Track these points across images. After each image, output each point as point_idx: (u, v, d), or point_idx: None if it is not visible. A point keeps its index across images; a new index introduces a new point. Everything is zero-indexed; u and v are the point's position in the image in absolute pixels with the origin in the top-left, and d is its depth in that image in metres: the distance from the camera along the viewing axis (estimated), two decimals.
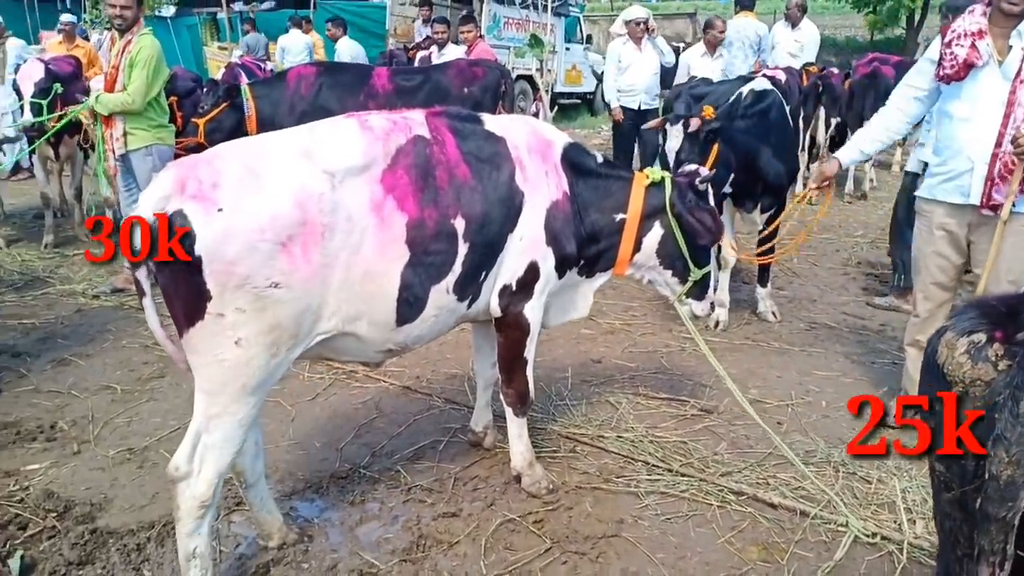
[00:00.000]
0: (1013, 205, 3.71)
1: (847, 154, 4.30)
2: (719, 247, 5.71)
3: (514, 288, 3.32)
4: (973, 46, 3.75)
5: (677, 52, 10.27)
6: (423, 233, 2.94)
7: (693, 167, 3.78)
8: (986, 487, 1.31)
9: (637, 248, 3.66)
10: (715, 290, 5.17)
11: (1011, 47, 3.69)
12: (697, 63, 8.23)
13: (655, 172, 3.69)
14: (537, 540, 3.25)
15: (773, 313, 5.89)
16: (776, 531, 3.34)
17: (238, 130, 6.63)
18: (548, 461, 3.81)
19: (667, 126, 5.21)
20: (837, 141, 10.37)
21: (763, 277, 5.96)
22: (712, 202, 3.76)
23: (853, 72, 10.79)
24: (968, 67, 3.77)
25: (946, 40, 3.85)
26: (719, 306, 5.67)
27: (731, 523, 3.40)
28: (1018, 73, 3.65)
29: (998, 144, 3.70)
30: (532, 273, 3.33)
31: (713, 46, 8.22)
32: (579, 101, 20.52)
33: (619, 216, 3.57)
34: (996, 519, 1.31)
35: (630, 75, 8.45)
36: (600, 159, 3.61)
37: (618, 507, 3.48)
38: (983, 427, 1.34)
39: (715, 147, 5.08)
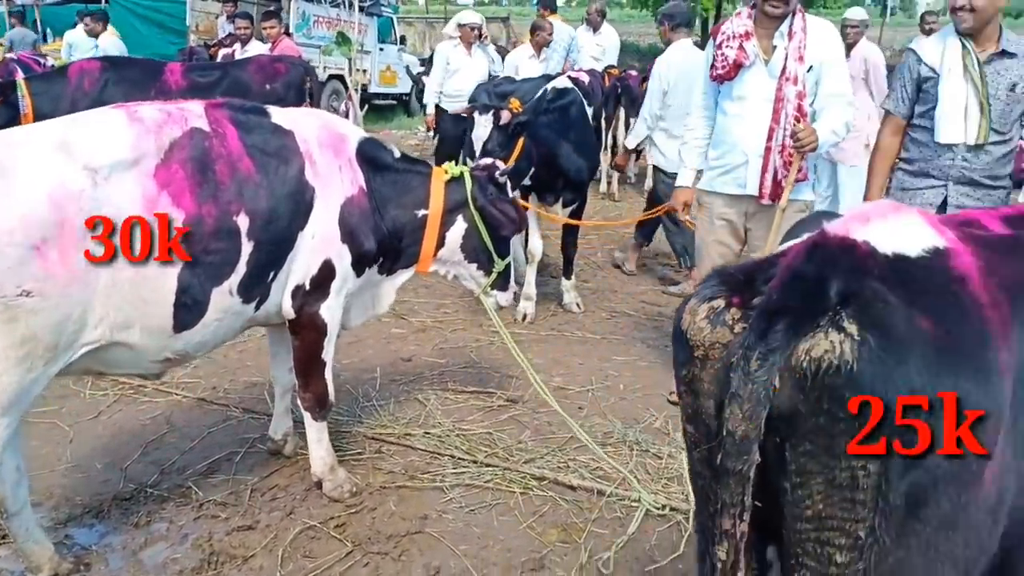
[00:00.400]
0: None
1: (688, 177, 4.43)
2: (527, 241, 5.86)
3: (308, 288, 3.22)
4: (741, 47, 4.04)
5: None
6: (202, 231, 2.78)
7: (489, 160, 3.84)
8: (724, 443, 1.40)
9: (441, 244, 3.66)
10: (522, 284, 5.33)
11: (775, 47, 4.01)
12: (525, 64, 8.34)
13: (453, 167, 3.70)
14: (338, 545, 3.16)
15: (577, 304, 6.10)
16: (575, 512, 3.44)
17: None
18: (352, 464, 3.73)
19: (475, 115, 5.25)
20: None
21: (567, 270, 6.16)
22: (513, 194, 3.83)
23: (648, 75, 11.40)
24: (737, 67, 4.06)
25: (717, 42, 4.13)
26: (526, 299, 5.80)
27: (533, 508, 3.47)
28: (783, 71, 3.98)
29: (769, 138, 4.02)
30: (327, 272, 3.24)
31: (540, 47, 8.38)
32: (395, 102, 20.38)
33: (421, 212, 3.54)
34: (734, 473, 1.40)
35: (458, 79, 8.35)
36: (398, 154, 3.57)
37: (423, 503, 3.46)
38: (721, 386, 1.43)
39: (521, 140, 5.19)
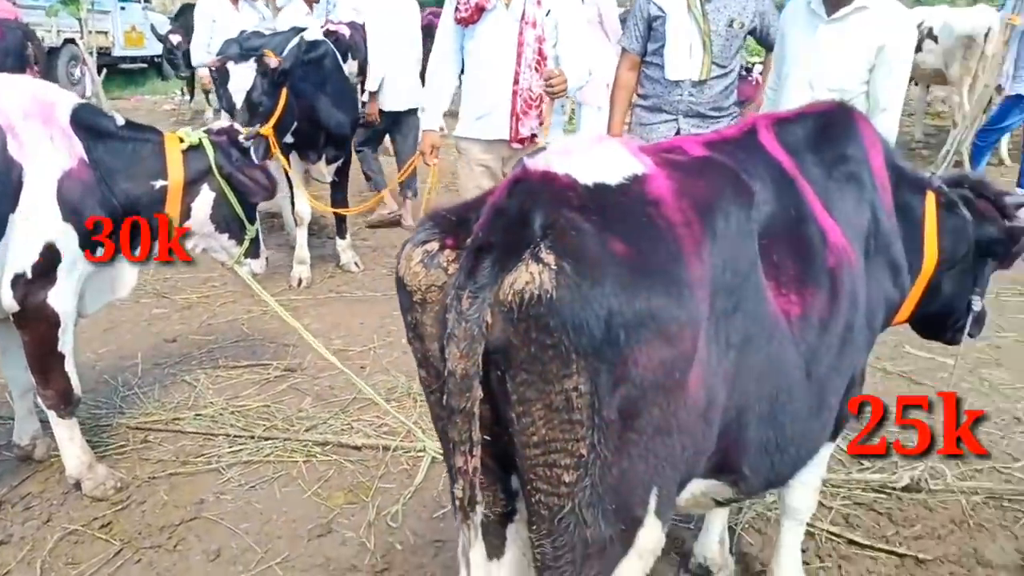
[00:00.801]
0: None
1: (435, 120, 4.40)
2: (294, 203, 5.65)
3: (30, 276, 2.89)
4: None
5: None
6: None
7: (225, 124, 3.61)
8: (447, 382, 1.41)
9: (187, 216, 3.41)
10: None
11: None
12: (302, 22, 7.87)
13: (190, 134, 3.44)
14: (105, 546, 2.93)
15: (356, 263, 5.99)
16: (361, 472, 3.42)
17: None
18: (116, 458, 3.46)
19: (230, 65, 4.89)
20: None
21: (341, 229, 6.02)
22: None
23: None
24: (480, 10, 4.08)
25: None
26: (299, 263, 5.62)
27: (317, 475, 3.40)
28: (522, 15, 4.05)
29: (515, 82, 4.09)
30: (50, 256, 2.92)
31: (311, 3, 7.91)
32: (145, 65, 18.75)
33: (159, 183, 3.27)
34: (459, 411, 1.42)
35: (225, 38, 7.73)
36: (121, 121, 3.26)
37: (198, 488, 3.28)
38: (442, 328, 1.43)
39: (284, 90, 4.94)
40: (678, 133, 4.11)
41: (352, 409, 3.91)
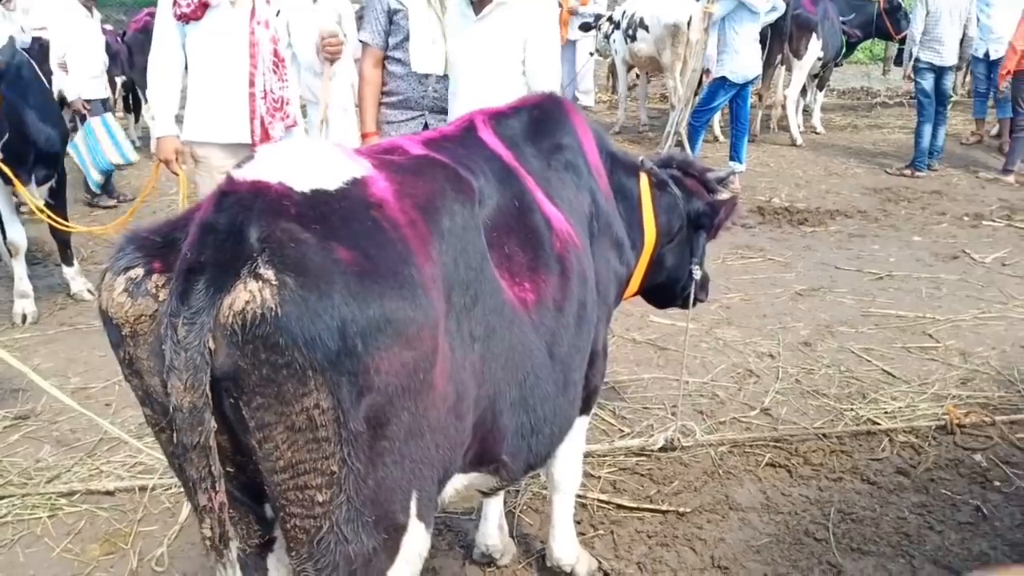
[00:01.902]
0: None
1: (169, 124, 4.03)
2: (4, 233, 5.02)
3: None
4: None
5: None
6: None
7: None
8: (175, 419, 1.30)
9: None
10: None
11: None
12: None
13: None
14: None
15: (89, 290, 5.43)
16: (117, 518, 3.12)
17: None
18: None
19: None
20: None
21: (66, 256, 5.43)
22: None
23: (127, 29, 10.40)
24: (204, 7, 3.81)
25: None
26: (21, 297, 5.00)
27: (67, 529, 3.06)
28: (252, 14, 3.83)
29: (251, 84, 3.87)
30: None
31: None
32: None
33: None
34: (193, 447, 1.32)
35: None
36: None
37: None
38: (160, 360, 1.31)
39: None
40: (426, 129, 4.10)
41: (99, 452, 3.55)
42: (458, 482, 1.84)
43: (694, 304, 3.00)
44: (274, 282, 1.26)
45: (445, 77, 4.02)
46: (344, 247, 1.35)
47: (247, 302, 1.25)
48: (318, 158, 1.51)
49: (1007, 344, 4.63)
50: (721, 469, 3.44)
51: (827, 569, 2.82)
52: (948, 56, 8.61)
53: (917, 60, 8.67)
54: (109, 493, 3.26)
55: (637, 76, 11.72)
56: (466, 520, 3.04)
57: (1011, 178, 8.56)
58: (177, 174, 4.13)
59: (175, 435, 1.32)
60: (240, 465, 1.45)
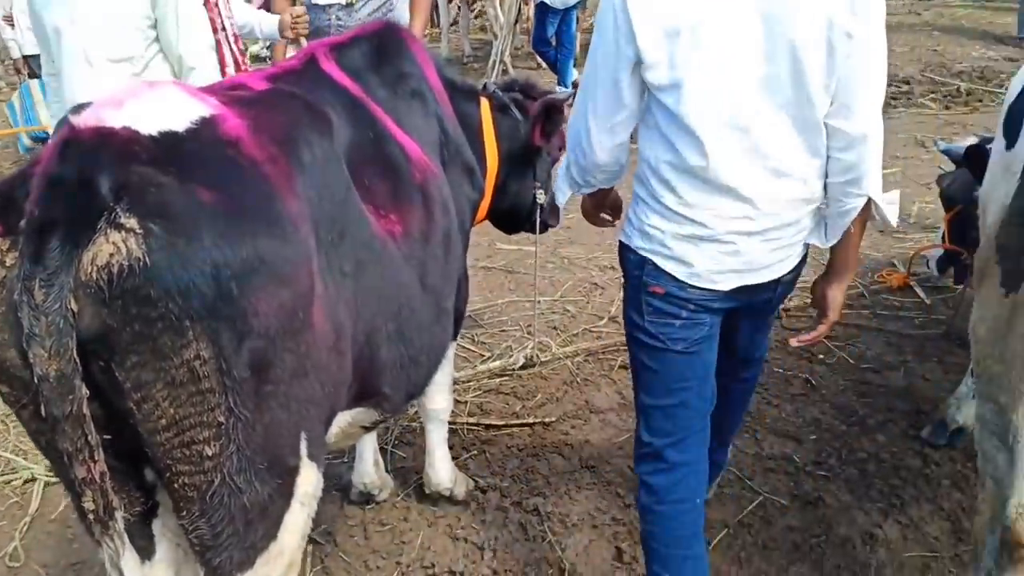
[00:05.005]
0: None
1: None
2: None
3: None
4: None
5: None
6: None
7: None
8: (42, 389, 1.21)
9: None
10: None
11: None
12: None
13: None
14: None
15: None
16: None
17: None
18: None
19: None
20: None
21: None
22: None
23: None
24: None
25: None
26: None
27: None
28: None
29: None
30: None
31: None
32: None
33: None
34: (65, 417, 1.23)
35: None
36: None
37: None
38: (16, 330, 1.21)
39: None
40: None
41: None
42: (343, 419, 1.84)
43: (544, 230, 3.08)
44: (139, 230, 1.19)
45: (349, 5, 3.98)
46: (206, 188, 1.28)
47: (111, 255, 1.17)
48: (161, 99, 1.41)
49: None
50: (579, 378, 3.62)
51: None
52: None
53: None
54: None
55: (459, 8, 11.56)
56: (339, 464, 3.03)
57: None
58: None
59: (43, 408, 1.22)
60: (115, 430, 1.37)
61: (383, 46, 2.21)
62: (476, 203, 2.55)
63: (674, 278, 1.83)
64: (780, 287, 1.95)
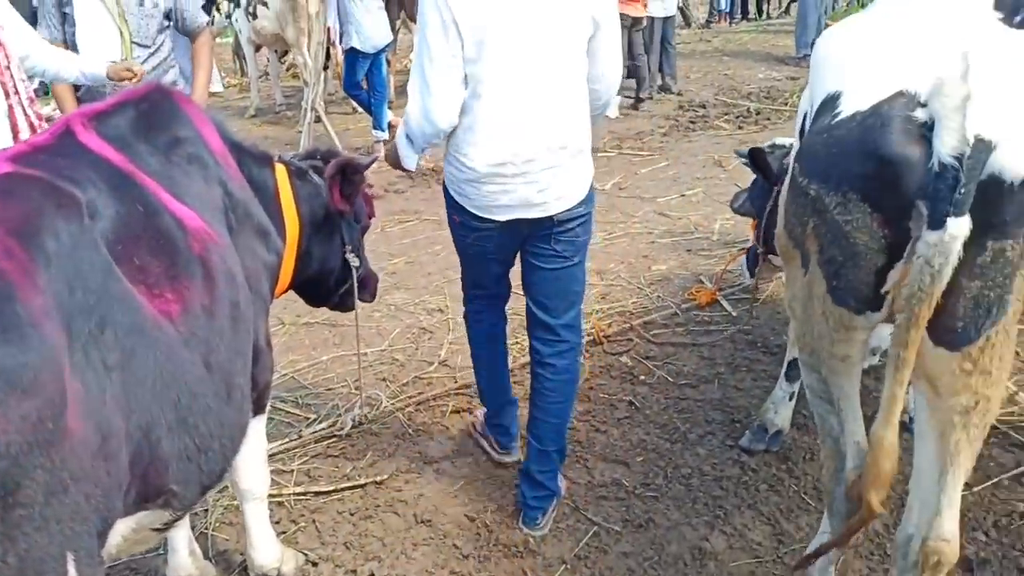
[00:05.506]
0: None
1: None
2: None
3: None
4: None
5: None
6: None
7: None
8: None
9: None
10: None
11: None
12: None
13: None
14: None
15: None
16: None
17: None
18: None
19: None
20: None
21: None
22: None
23: None
24: None
25: None
26: None
27: None
28: None
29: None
30: None
31: None
32: None
33: None
34: None
35: None
36: None
37: None
38: None
39: None
40: None
41: None
42: (125, 527, 1.67)
43: (364, 300, 3.00)
44: None
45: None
46: None
47: None
48: None
49: (632, 257, 5.31)
50: (411, 429, 3.54)
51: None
52: None
53: None
54: None
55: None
56: (153, 557, 2.79)
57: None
58: None
59: None
60: None
61: (152, 111, 2.07)
62: (274, 266, 2.44)
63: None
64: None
